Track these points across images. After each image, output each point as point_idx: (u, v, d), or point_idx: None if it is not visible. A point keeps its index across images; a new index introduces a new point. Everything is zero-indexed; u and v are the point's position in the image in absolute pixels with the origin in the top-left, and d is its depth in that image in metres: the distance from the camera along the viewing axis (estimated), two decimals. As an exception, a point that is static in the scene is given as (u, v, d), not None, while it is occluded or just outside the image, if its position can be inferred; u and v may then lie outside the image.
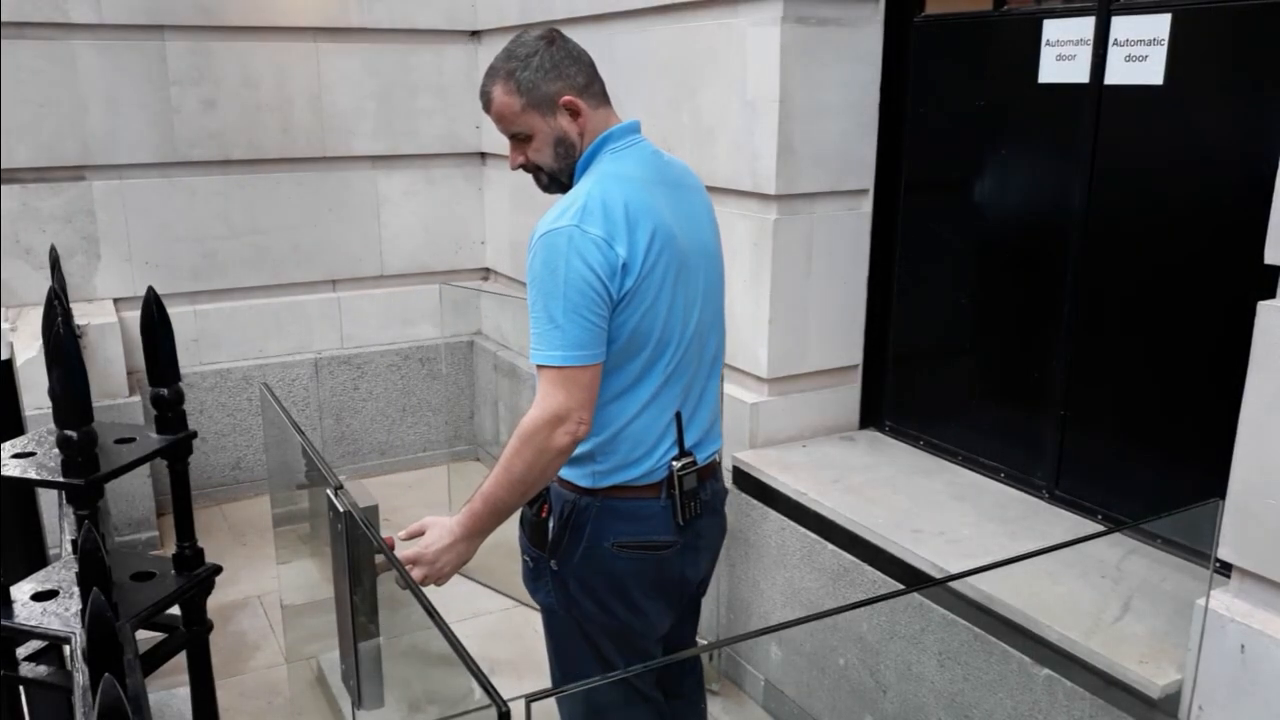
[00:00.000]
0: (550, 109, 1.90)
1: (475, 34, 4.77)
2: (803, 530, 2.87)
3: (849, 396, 3.25)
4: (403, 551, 1.95)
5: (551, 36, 1.93)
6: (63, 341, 1.53)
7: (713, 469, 2.08)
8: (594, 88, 1.93)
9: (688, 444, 1.98)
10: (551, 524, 1.98)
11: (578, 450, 1.89)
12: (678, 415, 1.96)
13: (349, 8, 4.49)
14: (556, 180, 1.99)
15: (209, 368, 4.47)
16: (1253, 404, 1.79)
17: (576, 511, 1.95)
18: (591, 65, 1.95)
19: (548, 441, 1.79)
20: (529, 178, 2.04)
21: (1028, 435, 2.75)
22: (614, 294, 1.79)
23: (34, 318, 3.67)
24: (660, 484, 1.95)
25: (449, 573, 1.96)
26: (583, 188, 1.86)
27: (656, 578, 2.00)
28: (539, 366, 1.81)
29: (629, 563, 1.96)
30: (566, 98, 1.89)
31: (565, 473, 1.96)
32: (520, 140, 1.95)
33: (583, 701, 2.10)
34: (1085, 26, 2.44)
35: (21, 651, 1.61)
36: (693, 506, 1.98)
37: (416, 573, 1.92)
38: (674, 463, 1.96)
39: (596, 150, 1.93)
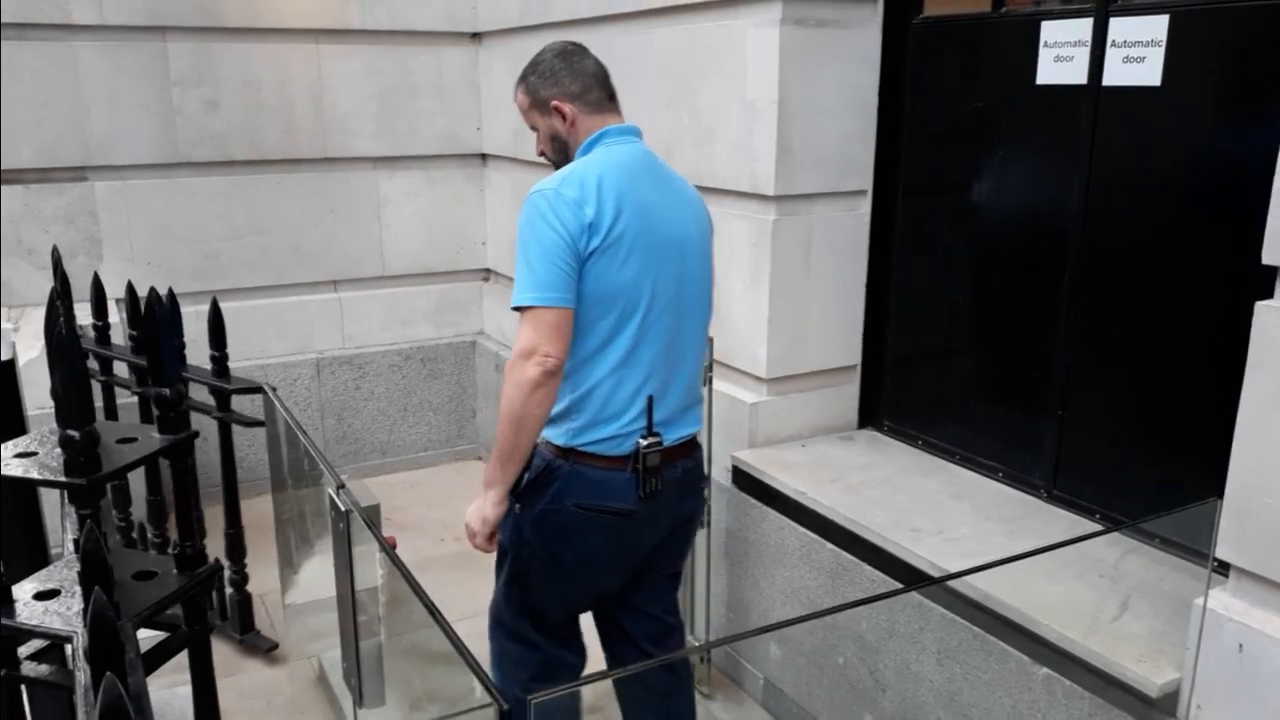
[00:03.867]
0: (546, 110, 2.25)
1: (476, 35, 4.77)
2: (802, 529, 2.87)
3: (848, 396, 3.26)
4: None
5: (564, 50, 2.28)
6: (65, 342, 1.54)
7: (686, 450, 2.28)
8: (590, 96, 2.23)
9: (657, 423, 2.17)
10: (525, 475, 2.21)
11: (558, 407, 2.14)
12: (650, 396, 2.15)
13: (350, 9, 4.50)
14: (559, 167, 2.24)
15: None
16: (1251, 403, 1.80)
17: (548, 470, 2.18)
18: (593, 77, 2.25)
19: (522, 374, 2.03)
20: (529, 179, 2.25)
21: (1026, 435, 2.75)
22: (581, 249, 2.05)
23: (36, 318, 3.68)
24: (627, 458, 2.16)
25: (478, 527, 2.23)
26: (571, 165, 2.18)
27: (613, 539, 2.21)
28: (516, 309, 2.07)
29: (586, 520, 2.18)
30: (555, 102, 2.23)
31: (547, 432, 2.19)
32: (535, 132, 2.32)
33: (506, 637, 2.41)
34: (1083, 28, 2.45)
35: (23, 650, 1.62)
36: (654, 482, 2.18)
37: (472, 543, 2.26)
38: (641, 440, 2.15)
39: (593, 143, 2.22)
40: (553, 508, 2.18)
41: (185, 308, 4.31)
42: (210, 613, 3.43)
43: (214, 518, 3.40)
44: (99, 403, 3.43)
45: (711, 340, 2.91)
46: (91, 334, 3.43)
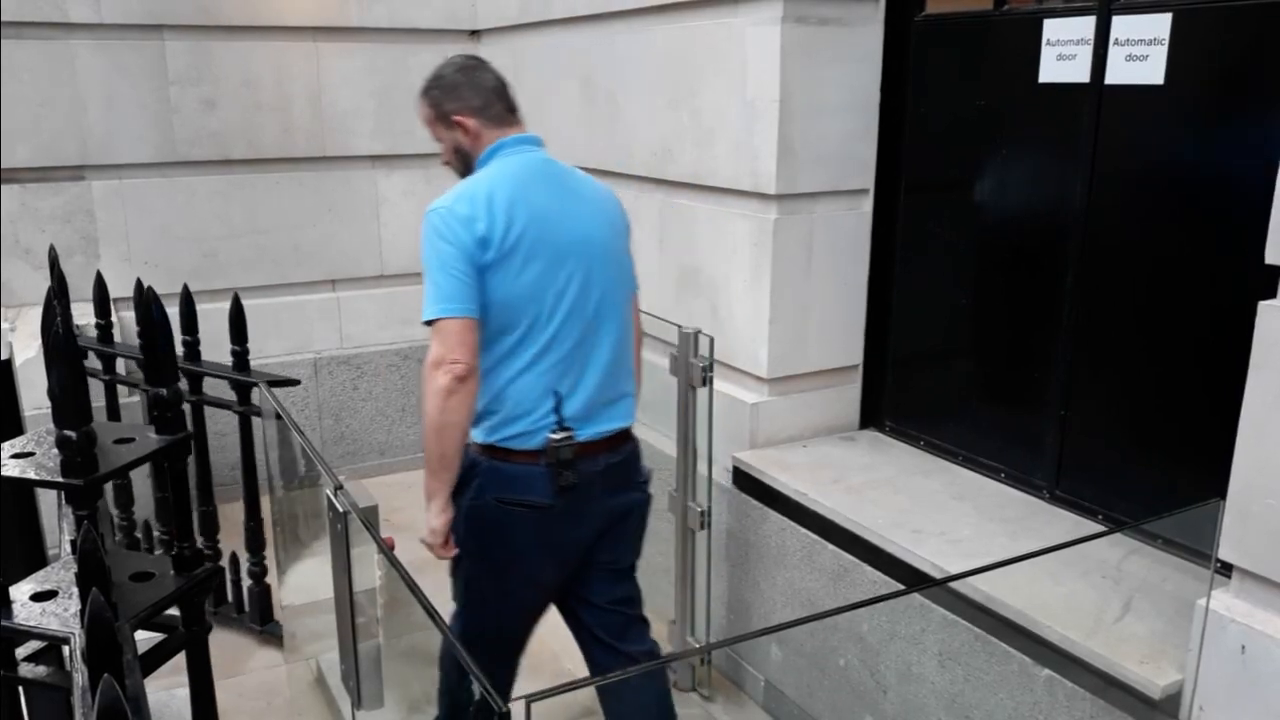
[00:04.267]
0: (449, 124, 2.36)
1: (475, 33, 4.76)
2: (803, 530, 2.86)
3: (849, 396, 3.25)
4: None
5: (465, 64, 2.41)
6: (61, 341, 1.53)
7: (610, 444, 2.34)
8: (491, 110, 2.34)
9: (568, 418, 2.25)
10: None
11: (478, 407, 2.25)
12: (557, 393, 2.24)
13: (348, 7, 4.49)
14: (464, 177, 2.36)
15: (208, 368, 4.46)
16: (1253, 404, 1.79)
17: (472, 466, 2.29)
18: (493, 90, 2.35)
19: (434, 383, 2.15)
20: None
21: (1028, 435, 2.74)
22: (477, 261, 2.15)
23: (33, 318, 3.67)
24: (539, 452, 2.24)
25: (431, 540, 2.32)
26: (467, 180, 2.29)
27: (535, 532, 2.28)
28: (426, 324, 2.18)
29: (506, 514, 2.26)
30: (457, 117, 2.34)
31: (471, 432, 2.29)
32: (440, 144, 2.43)
33: (467, 625, 2.39)
34: (1086, 26, 2.44)
35: (21, 652, 1.61)
36: (569, 476, 2.25)
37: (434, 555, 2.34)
38: (551, 435, 2.23)
39: (491, 154, 2.32)
40: (477, 503, 2.27)
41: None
42: (226, 605, 3.46)
43: (234, 512, 3.41)
44: (100, 402, 3.43)
45: (711, 339, 2.91)
46: (92, 333, 3.42)
